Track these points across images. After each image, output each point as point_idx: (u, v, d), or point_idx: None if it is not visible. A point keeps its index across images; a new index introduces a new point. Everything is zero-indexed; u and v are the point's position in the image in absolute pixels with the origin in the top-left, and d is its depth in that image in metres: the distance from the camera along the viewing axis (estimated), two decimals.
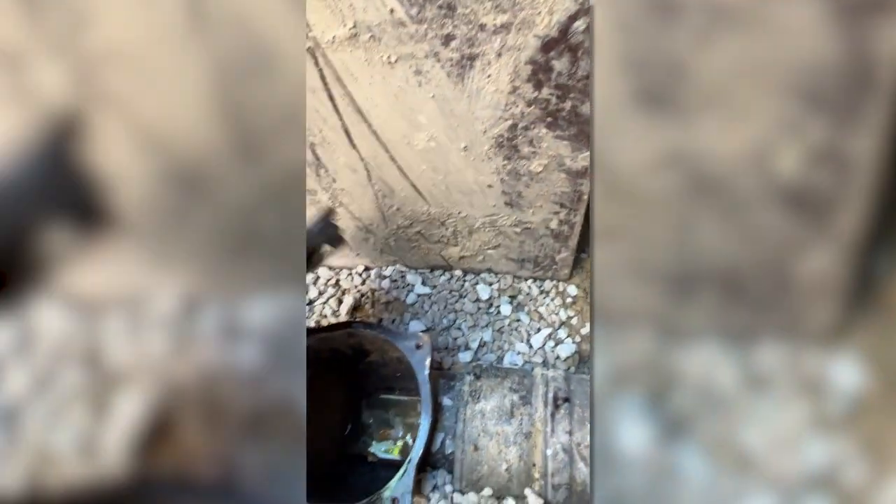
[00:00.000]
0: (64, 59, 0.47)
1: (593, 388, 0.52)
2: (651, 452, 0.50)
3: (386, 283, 1.29)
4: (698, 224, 0.50)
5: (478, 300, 1.24)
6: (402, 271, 1.30)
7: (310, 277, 1.36)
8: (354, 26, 0.68)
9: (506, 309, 1.21)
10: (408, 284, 1.28)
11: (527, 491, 0.89)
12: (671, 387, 0.52)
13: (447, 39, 0.67)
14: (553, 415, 0.92)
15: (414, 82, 0.75)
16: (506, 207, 1.01)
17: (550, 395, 0.94)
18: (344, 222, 1.16)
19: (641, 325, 0.54)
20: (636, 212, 0.50)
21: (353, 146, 0.91)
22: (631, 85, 0.45)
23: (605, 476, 0.50)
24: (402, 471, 0.85)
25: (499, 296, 1.24)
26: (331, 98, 0.81)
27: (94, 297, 0.53)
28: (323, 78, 0.77)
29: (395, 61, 0.72)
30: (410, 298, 1.26)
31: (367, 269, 1.33)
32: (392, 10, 0.65)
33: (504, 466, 0.92)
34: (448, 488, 0.94)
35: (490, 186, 0.95)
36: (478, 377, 1.02)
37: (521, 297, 1.24)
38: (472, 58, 0.69)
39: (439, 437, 0.95)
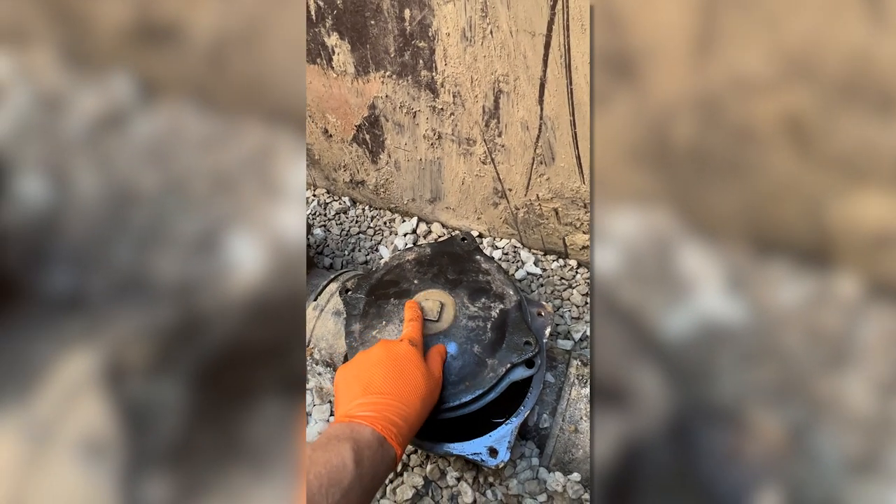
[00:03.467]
0: None
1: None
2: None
3: (497, 254, 1.29)
4: None
5: (587, 294, 1.22)
6: (515, 246, 1.30)
7: (423, 228, 1.38)
8: None
9: None
10: (520, 260, 1.28)
11: None
12: None
13: None
14: None
15: None
16: None
17: None
18: (484, 180, 1.17)
19: None
20: None
21: (540, 102, 0.91)
22: None
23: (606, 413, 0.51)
24: (508, 424, 0.84)
25: None
26: (546, 45, 0.81)
27: None
28: (551, 22, 0.78)
29: None
30: (520, 274, 1.25)
31: (480, 235, 1.34)
32: None
33: None
34: (535, 461, 0.92)
35: None
36: (585, 364, 1.00)
37: None
38: None
39: (535, 409, 0.93)
